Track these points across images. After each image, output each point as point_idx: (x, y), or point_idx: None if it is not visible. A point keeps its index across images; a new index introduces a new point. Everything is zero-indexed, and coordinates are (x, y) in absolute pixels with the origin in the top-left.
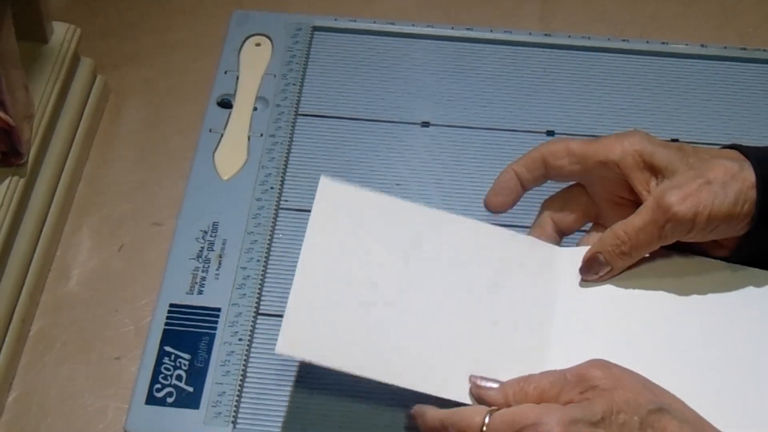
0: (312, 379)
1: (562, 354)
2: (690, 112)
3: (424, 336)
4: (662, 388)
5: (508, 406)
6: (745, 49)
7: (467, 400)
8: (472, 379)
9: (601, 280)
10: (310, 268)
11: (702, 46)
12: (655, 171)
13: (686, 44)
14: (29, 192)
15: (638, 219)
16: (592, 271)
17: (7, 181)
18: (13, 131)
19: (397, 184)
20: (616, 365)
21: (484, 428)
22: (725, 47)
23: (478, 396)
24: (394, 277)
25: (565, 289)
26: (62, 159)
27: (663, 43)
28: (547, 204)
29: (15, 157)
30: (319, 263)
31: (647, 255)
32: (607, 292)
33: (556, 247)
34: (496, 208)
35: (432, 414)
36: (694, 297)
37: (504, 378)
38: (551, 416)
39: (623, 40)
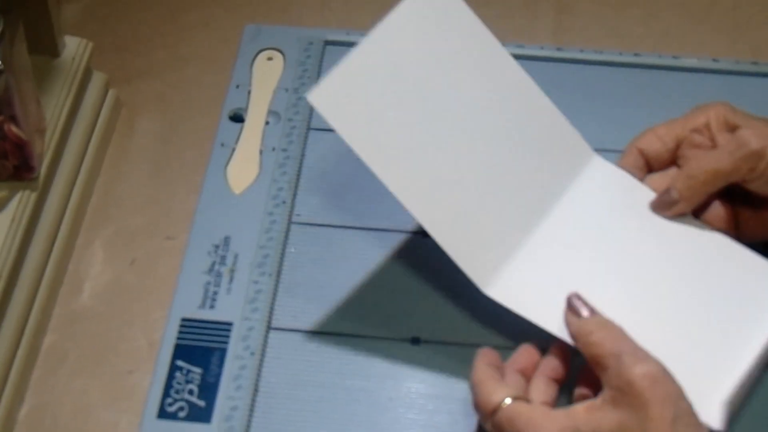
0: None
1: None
2: None
3: (455, 175)
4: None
5: (575, 339)
6: (756, 63)
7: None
8: (572, 293)
9: (674, 215)
10: (376, 47)
11: (714, 60)
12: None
13: (698, 59)
14: (41, 206)
15: (711, 153)
16: (664, 204)
17: (19, 195)
18: (25, 145)
19: None
20: (675, 382)
21: (499, 409)
22: (737, 62)
23: (567, 310)
24: (441, 101)
25: (576, 193)
26: (74, 173)
27: (675, 57)
28: (639, 137)
29: (27, 171)
30: (388, 49)
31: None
32: (601, 223)
33: (595, 155)
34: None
35: (476, 370)
36: (675, 251)
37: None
38: (555, 425)
39: (635, 55)
